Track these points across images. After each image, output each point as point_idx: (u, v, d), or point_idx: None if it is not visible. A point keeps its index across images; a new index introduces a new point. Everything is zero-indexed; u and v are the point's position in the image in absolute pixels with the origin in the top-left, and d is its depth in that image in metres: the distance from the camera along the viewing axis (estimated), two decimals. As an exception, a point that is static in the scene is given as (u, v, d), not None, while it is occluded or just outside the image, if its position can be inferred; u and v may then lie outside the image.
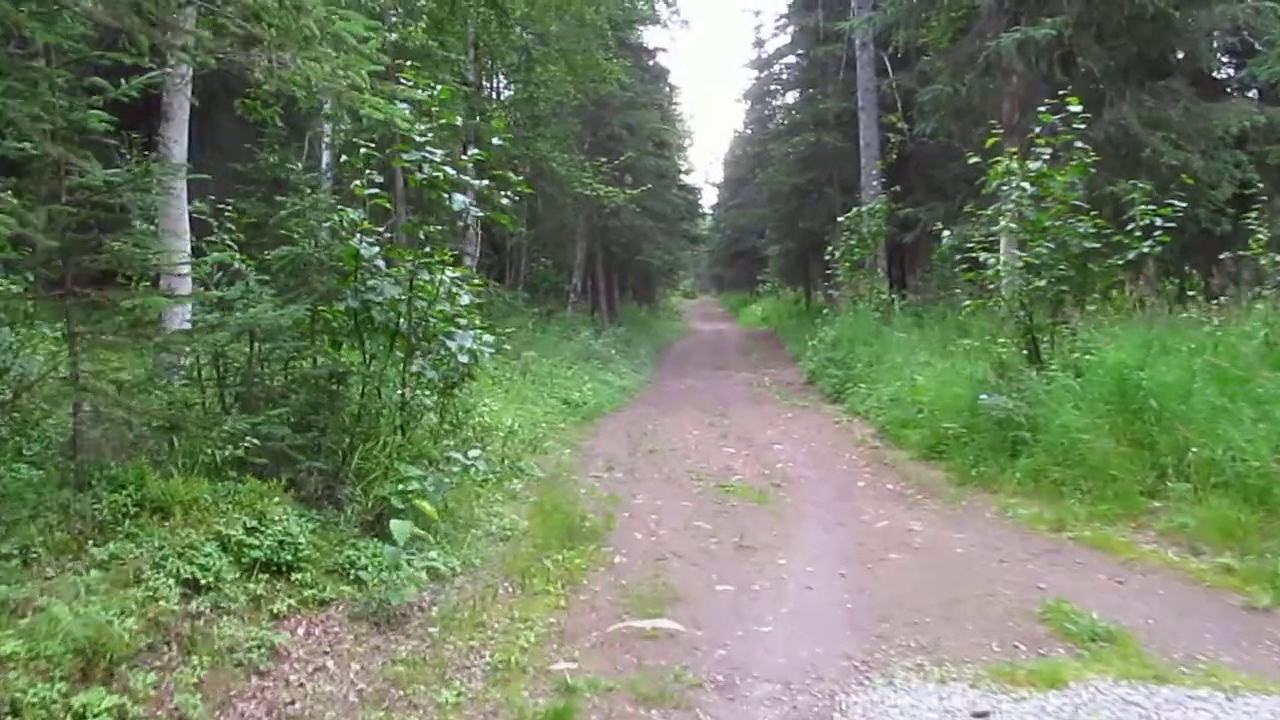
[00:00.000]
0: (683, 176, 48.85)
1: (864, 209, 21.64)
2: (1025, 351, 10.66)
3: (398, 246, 7.00)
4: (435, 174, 6.76)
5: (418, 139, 6.71)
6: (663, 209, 31.34)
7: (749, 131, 48.83)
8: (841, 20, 24.22)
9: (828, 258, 22.11)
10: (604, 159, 23.66)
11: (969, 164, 11.71)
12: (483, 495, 8.44)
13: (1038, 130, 10.67)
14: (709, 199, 64.88)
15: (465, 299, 8.08)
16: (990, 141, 11.00)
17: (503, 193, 7.73)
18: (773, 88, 38.95)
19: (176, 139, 9.38)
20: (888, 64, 23.75)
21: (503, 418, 11.35)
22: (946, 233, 11.44)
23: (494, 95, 24.62)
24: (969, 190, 18.96)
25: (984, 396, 10.08)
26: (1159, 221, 10.34)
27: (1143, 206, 10.67)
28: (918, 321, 18.76)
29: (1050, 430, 9.02)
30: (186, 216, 9.48)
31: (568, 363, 18.59)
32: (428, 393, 7.67)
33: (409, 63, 7.97)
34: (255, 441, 6.02)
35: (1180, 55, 16.66)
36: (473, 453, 7.13)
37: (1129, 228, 10.74)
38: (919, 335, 16.70)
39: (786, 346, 29.40)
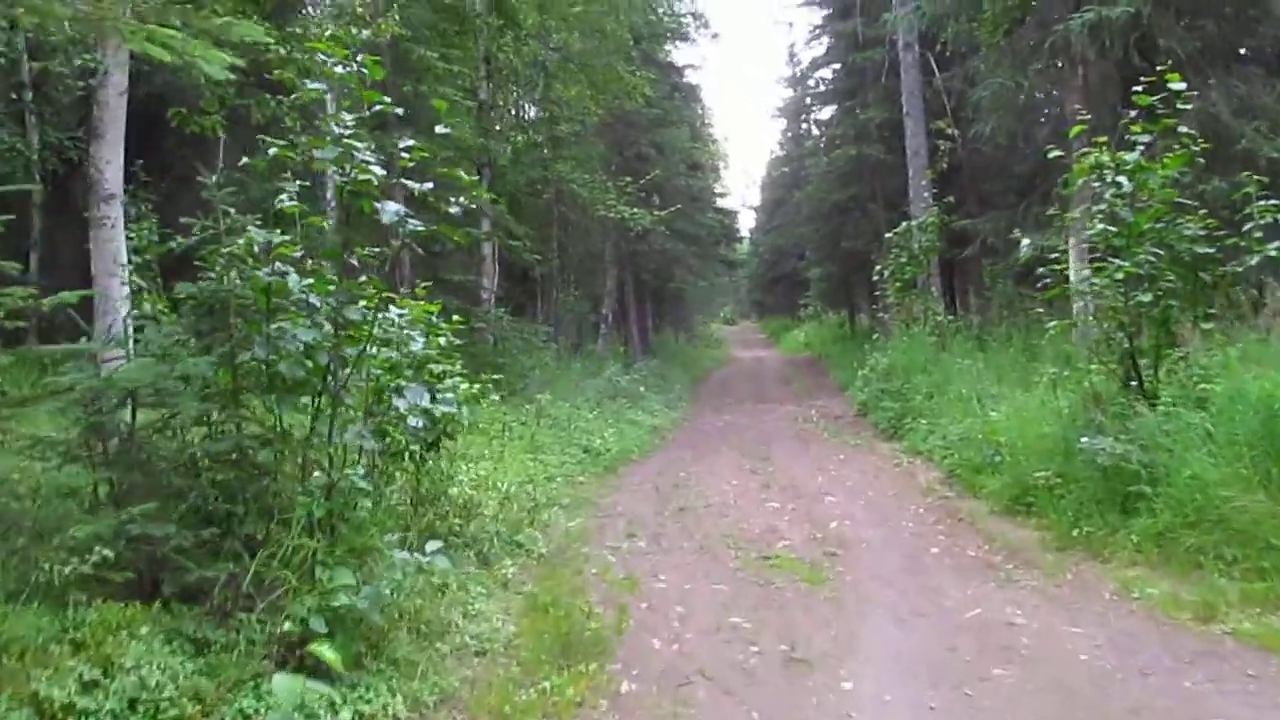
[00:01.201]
0: (718, 199, 47.38)
1: (914, 223, 19.73)
2: (1131, 381, 8.79)
3: (326, 277, 5.23)
4: (363, 177, 5.02)
5: (338, 129, 5.00)
6: (696, 232, 29.61)
7: (785, 151, 47.06)
8: (882, 21, 22.47)
9: (876, 277, 20.12)
10: (629, 179, 21.94)
11: (1048, 158, 9.86)
12: (460, 589, 6.68)
13: (1133, 115, 8.82)
14: (747, 223, 63.59)
15: (418, 343, 6.36)
16: (1076, 130, 9.15)
17: (457, 201, 5.95)
18: (809, 102, 37.15)
19: (109, 159, 7.88)
20: (934, 65, 21.92)
21: (499, 479, 9.61)
22: (1026, 242, 9.59)
23: (515, 114, 23.05)
24: (1035, 196, 17.20)
25: (1085, 439, 8.21)
26: (1283, 220, 8.51)
27: (1264, 204, 8.81)
28: (980, 346, 16.89)
29: (1176, 482, 7.14)
30: (124, 250, 8.00)
31: (591, 403, 16.85)
32: (370, 467, 5.92)
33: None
34: (108, 554, 4.32)
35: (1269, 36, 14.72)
36: (432, 545, 5.37)
37: (1246, 228, 8.87)
38: (983, 362, 14.81)
39: (831, 374, 27.59)
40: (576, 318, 25.44)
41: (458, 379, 7.43)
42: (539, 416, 13.58)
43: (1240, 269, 8.63)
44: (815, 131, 36.16)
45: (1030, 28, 14.83)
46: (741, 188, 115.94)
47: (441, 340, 7.37)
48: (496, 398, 13.87)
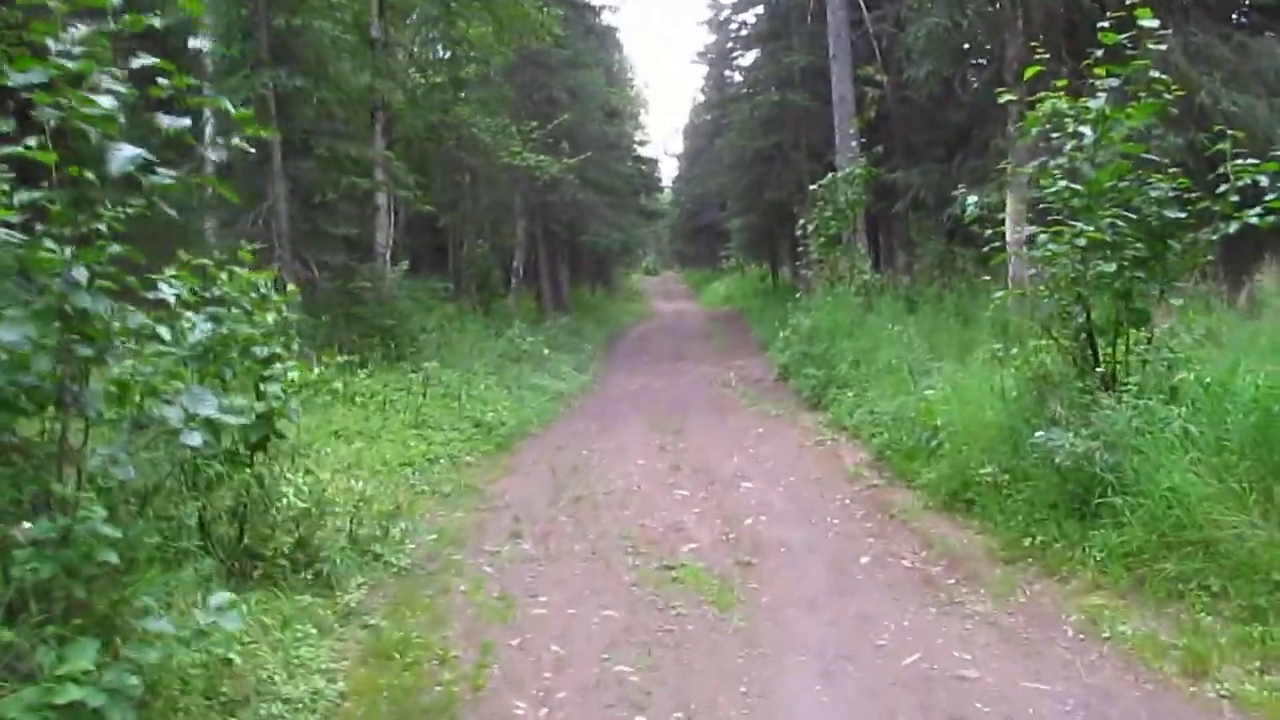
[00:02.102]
0: (638, 148, 45.96)
1: (839, 175, 18.45)
2: (1089, 364, 7.67)
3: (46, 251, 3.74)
4: (85, 109, 3.54)
5: (56, 45, 3.52)
6: (611, 181, 28.09)
7: (707, 98, 45.52)
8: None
9: (799, 232, 18.80)
10: (536, 124, 20.39)
11: (986, 107, 8.67)
12: (285, 629, 5.35)
13: (1098, 55, 7.61)
14: (669, 172, 62.44)
15: (201, 331, 4.95)
16: (1031, 72, 7.90)
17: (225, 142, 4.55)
18: (731, 46, 35.60)
19: None
20: (863, 5, 20.61)
21: (368, 464, 8.28)
22: (971, 199, 8.36)
23: (413, 54, 21.32)
24: (971, 148, 16.11)
25: (1041, 433, 7.07)
26: (1264, 181, 7.37)
27: (1242, 163, 7.65)
28: (909, 308, 15.84)
29: (1149, 491, 6.02)
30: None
31: (490, 367, 15.48)
32: (128, 501, 4.50)
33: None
34: None
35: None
36: (219, 598, 4.03)
37: (1220, 190, 7.73)
38: (914, 327, 13.72)
39: (753, 330, 26.50)
40: (479, 273, 23.86)
41: (290, 364, 6.01)
42: (426, 385, 12.18)
43: (1215, 236, 7.48)
44: (739, 78, 34.68)
45: (970, -38, 13.64)
46: (663, 135, 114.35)
47: (270, 317, 5.94)
48: (365, 370, 12.64)
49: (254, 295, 6.04)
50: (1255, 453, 5.67)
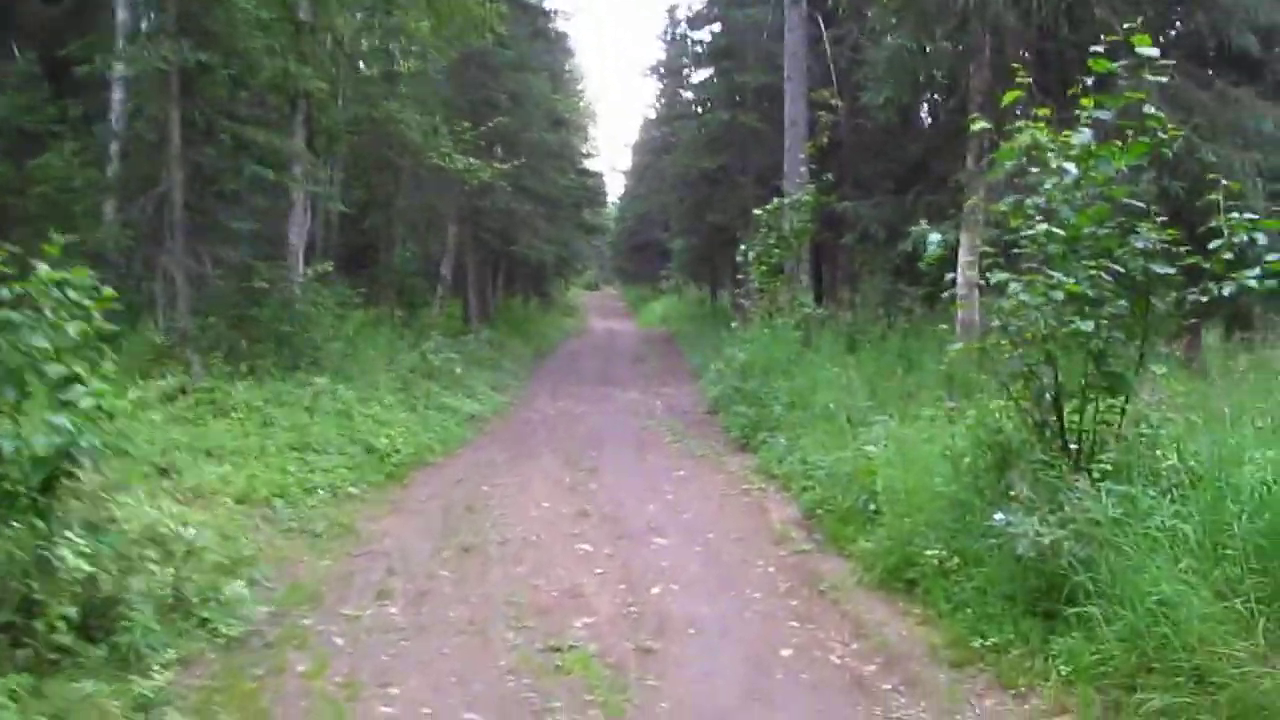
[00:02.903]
0: (584, 160, 44.96)
1: (787, 200, 17.46)
2: (1057, 432, 6.69)
3: None
4: None
5: None
6: (549, 191, 26.83)
7: (658, 114, 44.54)
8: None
9: (740, 258, 17.68)
10: (468, 125, 19.16)
11: (961, 136, 7.70)
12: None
13: (1087, 84, 6.65)
14: (617, 188, 61.82)
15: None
16: (1011, 97, 6.93)
17: None
18: (684, 63, 34.57)
19: None
20: (822, 26, 19.69)
21: (208, 509, 7.07)
22: (935, 237, 7.36)
23: (342, 41, 19.99)
24: (928, 182, 15.23)
25: (999, 515, 6.05)
26: (1261, 240, 6.44)
27: (1235, 217, 6.69)
28: (850, 346, 14.89)
29: (1131, 600, 5.01)
30: None
31: (397, 383, 14.25)
32: None
33: None
34: None
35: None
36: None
37: (1214, 246, 6.78)
38: (854, 370, 12.76)
39: (686, 355, 25.54)
40: (399, 279, 22.52)
41: (96, 384, 4.81)
42: (316, 401, 10.95)
43: (1207, 298, 6.53)
44: (690, 96, 33.64)
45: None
46: (612, 150, 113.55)
47: (71, 329, 4.73)
48: (248, 381, 11.38)
49: (57, 298, 4.85)
50: (1265, 566, 4.67)
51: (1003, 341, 7.15)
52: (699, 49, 32.58)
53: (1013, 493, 6.28)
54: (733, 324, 18.56)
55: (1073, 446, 6.54)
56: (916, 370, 12.92)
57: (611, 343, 32.59)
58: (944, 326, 12.67)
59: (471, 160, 18.35)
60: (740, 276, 19.68)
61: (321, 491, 9.20)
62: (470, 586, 7.12)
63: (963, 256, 14.18)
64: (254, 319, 13.03)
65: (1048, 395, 6.84)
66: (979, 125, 7.48)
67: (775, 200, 17.35)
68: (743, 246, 17.55)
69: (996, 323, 7.17)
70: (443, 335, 18.95)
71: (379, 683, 5.34)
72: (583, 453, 12.55)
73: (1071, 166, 6.49)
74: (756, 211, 17.63)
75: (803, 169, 18.53)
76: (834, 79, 19.36)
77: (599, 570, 7.63)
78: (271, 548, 7.48)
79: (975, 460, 7.21)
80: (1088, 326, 6.36)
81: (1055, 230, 6.32)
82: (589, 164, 46.84)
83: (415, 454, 11.39)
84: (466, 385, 16.63)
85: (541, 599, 6.87)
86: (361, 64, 19.93)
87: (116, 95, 15.32)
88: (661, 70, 37.95)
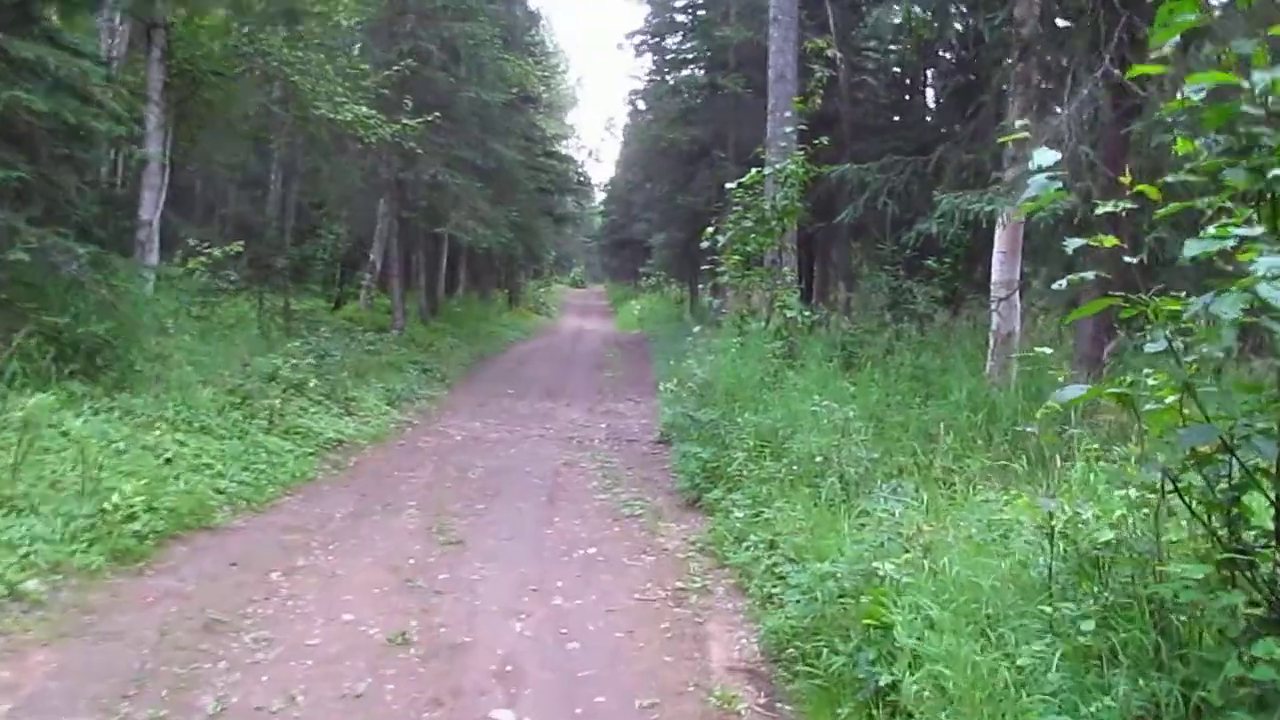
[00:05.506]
0: (559, 145, 41.36)
1: (768, 171, 13.55)
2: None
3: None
4: None
5: None
6: (499, 167, 22.87)
7: (644, 97, 40.72)
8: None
9: (706, 243, 13.59)
10: (365, 68, 15.30)
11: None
12: None
13: None
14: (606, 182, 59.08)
15: None
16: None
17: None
18: (665, 23, 30.45)
19: None
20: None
21: None
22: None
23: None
24: (956, 142, 11.64)
25: None
26: None
27: None
28: (846, 363, 11.17)
29: None
30: None
31: (234, 400, 10.43)
32: None
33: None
34: None
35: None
36: None
37: None
38: (854, 401, 9.01)
39: (654, 363, 21.73)
40: (292, 263, 18.56)
41: None
42: (27, 435, 7.11)
43: None
44: (667, 61, 29.66)
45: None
46: (599, 144, 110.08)
47: None
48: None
49: None
50: None
51: (1169, 383, 3.45)
52: (682, 17, 28.66)
53: None
54: (695, 328, 14.58)
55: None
56: (939, 400, 9.20)
57: (575, 345, 28.75)
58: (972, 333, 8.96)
59: (368, 112, 14.50)
60: (706, 268, 15.83)
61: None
62: None
63: (999, 246, 10.50)
64: (14, 306, 9.22)
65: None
66: None
67: (754, 171, 13.42)
68: (709, 229, 13.53)
69: (1156, 344, 3.43)
70: (373, 331, 15.30)
71: None
72: (464, 508, 8.79)
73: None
74: (730, 185, 13.65)
75: (789, 129, 14.64)
76: (832, 26, 15.54)
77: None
78: None
79: (1091, 616, 3.48)
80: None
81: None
82: (565, 149, 43.36)
83: (189, 513, 7.53)
84: (352, 398, 12.85)
85: None
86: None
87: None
88: (642, 41, 33.97)
